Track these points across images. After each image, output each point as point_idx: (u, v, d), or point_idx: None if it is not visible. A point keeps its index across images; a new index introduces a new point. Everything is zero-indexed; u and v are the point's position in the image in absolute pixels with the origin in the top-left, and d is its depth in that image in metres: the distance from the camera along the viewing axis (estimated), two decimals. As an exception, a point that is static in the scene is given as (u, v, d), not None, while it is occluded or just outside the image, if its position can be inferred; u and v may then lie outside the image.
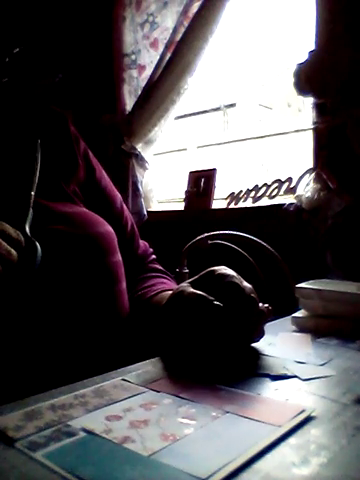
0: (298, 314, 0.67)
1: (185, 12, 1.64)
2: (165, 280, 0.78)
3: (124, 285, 0.68)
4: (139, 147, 1.78)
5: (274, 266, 1.24)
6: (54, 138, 0.71)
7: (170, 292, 0.62)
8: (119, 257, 0.68)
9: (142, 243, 0.84)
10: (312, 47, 1.28)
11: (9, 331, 0.53)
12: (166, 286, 0.73)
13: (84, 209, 0.69)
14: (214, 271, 0.56)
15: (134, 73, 1.87)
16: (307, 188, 1.31)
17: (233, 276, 0.54)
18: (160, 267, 0.83)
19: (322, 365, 0.49)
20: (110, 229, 0.68)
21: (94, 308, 0.61)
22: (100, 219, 0.68)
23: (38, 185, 0.62)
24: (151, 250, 0.86)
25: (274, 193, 1.53)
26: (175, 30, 1.67)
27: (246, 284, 0.54)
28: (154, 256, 0.85)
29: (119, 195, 0.81)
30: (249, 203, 1.59)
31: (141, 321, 0.68)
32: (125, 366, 0.50)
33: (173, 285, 0.76)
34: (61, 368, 0.56)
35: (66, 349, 0.57)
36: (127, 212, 0.82)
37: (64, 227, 0.60)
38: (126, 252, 0.73)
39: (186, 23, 1.63)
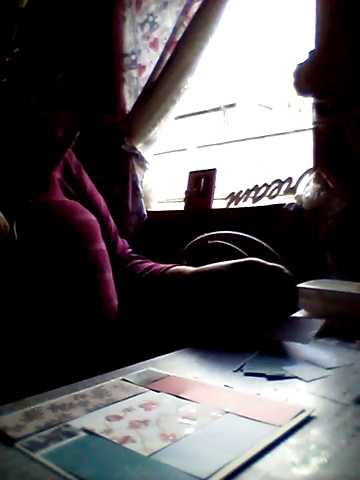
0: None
1: (185, 12, 1.64)
2: (152, 262, 0.81)
3: (109, 275, 0.66)
4: (139, 147, 1.78)
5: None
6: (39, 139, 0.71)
7: (188, 268, 0.70)
8: (102, 246, 0.66)
9: (121, 240, 0.84)
10: (312, 47, 1.28)
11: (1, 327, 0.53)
12: (166, 265, 0.76)
13: (64, 199, 0.68)
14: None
15: (134, 73, 1.87)
16: (307, 188, 1.31)
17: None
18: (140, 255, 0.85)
19: (322, 365, 0.49)
20: (91, 217, 0.67)
21: (76, 298, 0.59)
22: (80, 207, 0.67)
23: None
24: (128, 246, 0.87)
25: (274, 193, 1.53)
26: (175, 30, 1.67)
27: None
28: (131, 249, 0.86)
29: (102, 199, 0.82)
30: (249, 203, 1.58)
31: (167, 293, 0.71)
32: (125, 366, 0.50)
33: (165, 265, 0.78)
34: (57, 363, 0.56)
35: (54, 339, 0.57)
36: (110, 216, 0.82)
37: (42, 216, 0.60)
38: (110, 250, 0.74)
39: (186, 23, 1.62)
